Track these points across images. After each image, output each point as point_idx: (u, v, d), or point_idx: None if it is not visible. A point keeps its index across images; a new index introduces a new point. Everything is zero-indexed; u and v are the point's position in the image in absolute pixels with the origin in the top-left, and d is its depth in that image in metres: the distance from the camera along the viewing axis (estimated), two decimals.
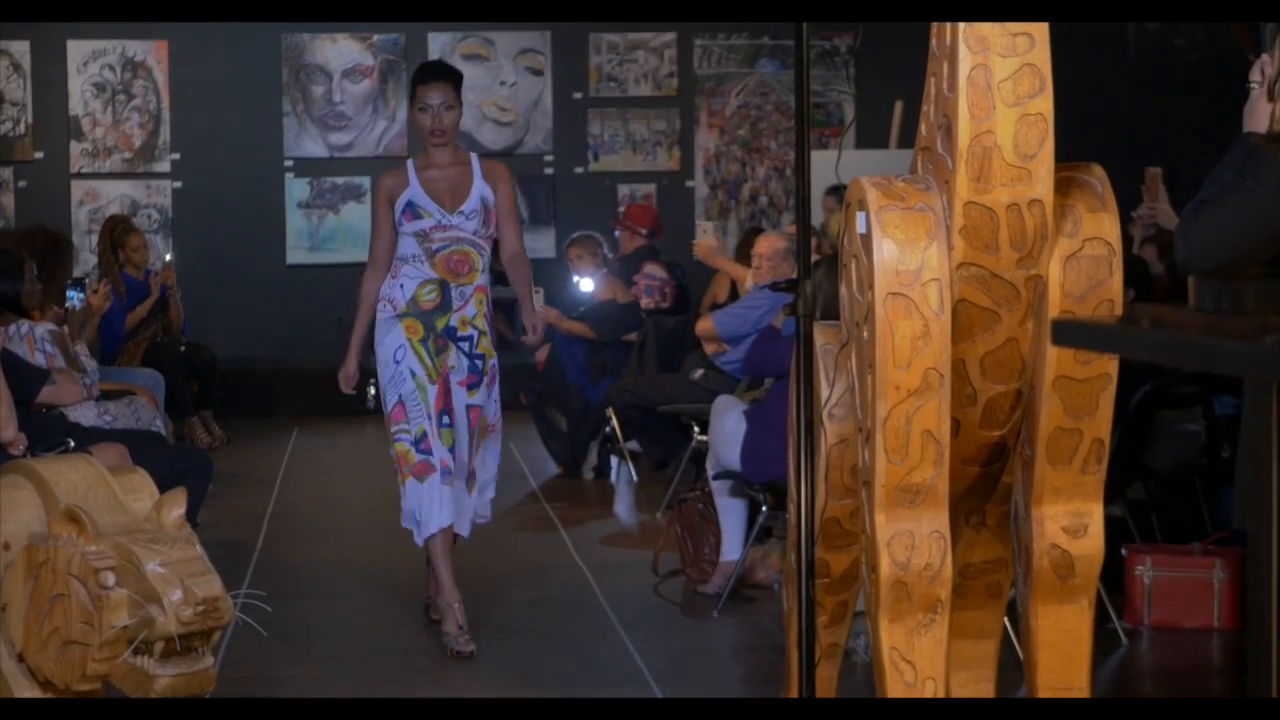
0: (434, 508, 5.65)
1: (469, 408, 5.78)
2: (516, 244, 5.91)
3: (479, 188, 5.76)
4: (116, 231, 10.38)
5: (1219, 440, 6.37)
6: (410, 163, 5.83)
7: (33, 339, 7.08)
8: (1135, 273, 5.64)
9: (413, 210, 5.73)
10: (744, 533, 6.45)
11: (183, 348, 10.24)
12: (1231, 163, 3.49)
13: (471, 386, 5.77)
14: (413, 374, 5.71)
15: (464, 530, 5.87)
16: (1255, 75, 3.59)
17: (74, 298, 8.63)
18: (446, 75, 5.80)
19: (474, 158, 5.84)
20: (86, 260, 11.98)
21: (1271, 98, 3.55)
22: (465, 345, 5.76)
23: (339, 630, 6.02)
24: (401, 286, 5.76)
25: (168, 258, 10.35)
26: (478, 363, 5.78)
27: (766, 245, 7.75)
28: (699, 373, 8.10)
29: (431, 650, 5.67)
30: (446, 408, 5.70)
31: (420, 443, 5.67)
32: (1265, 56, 3.57)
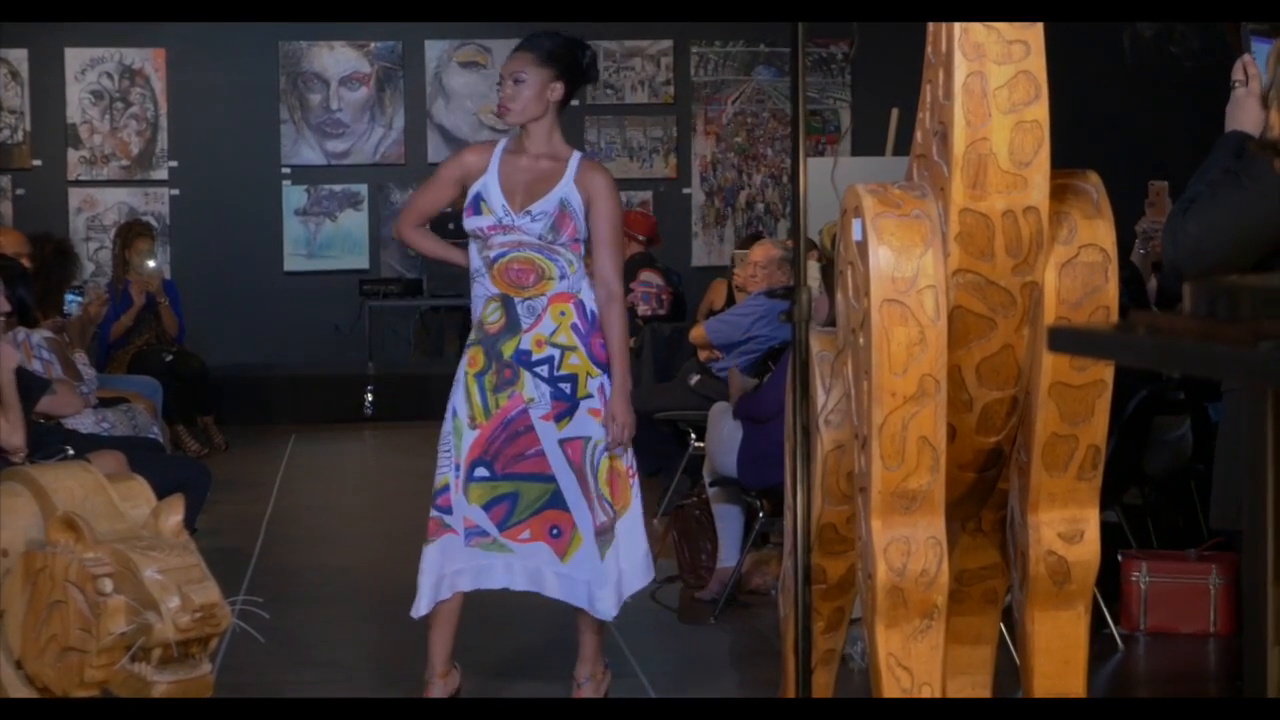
0: (455, 568, 4.83)
1: (564, 443, 4.80)
2: (614, 283, 4.86)
3: (564, 189, 4.80)
4: (129, 235, 10.41)
5: (1214, 446, 6.38)
6: (500, 145, 4.92)
7: (30, 345, 7.10)
8: (1127, 279, 5.65)
9: (475, 204, 4.84)
10: (741, 539, 6.46)
11: (169, 357, 10.22)
12: (1217, 162, 3.50)
13: (560, 417, 4.80)
14: (454, 413, 4.85)
15: (589, 603, 4.85)
16: (1238, 74, 3.60)
17: (72, 302, 8.64)
18: (528, 45, 4.88)
19: (575, 157, 4.88)
20: (83, 268, 11.99)
21: (1266, 105, 3.57)
22: (543, 369, 4.81)
23: (337, 636, 6.02)
24: (474, 307, 4.91)
25: (150, 264, 10.32)
26: (564, 387, 4.81)
27: (762, 253, 7.76)
28: (695, 379, 8.10)
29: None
30: (489, 455, 4.80)
31: (438, 497, 4.83)
32: (1246, 56, 3.58)
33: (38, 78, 12.24)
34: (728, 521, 6.49)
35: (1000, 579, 4.16)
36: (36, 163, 12.29)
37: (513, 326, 4.82)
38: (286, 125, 12.49)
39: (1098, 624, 4.85)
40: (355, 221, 12.40)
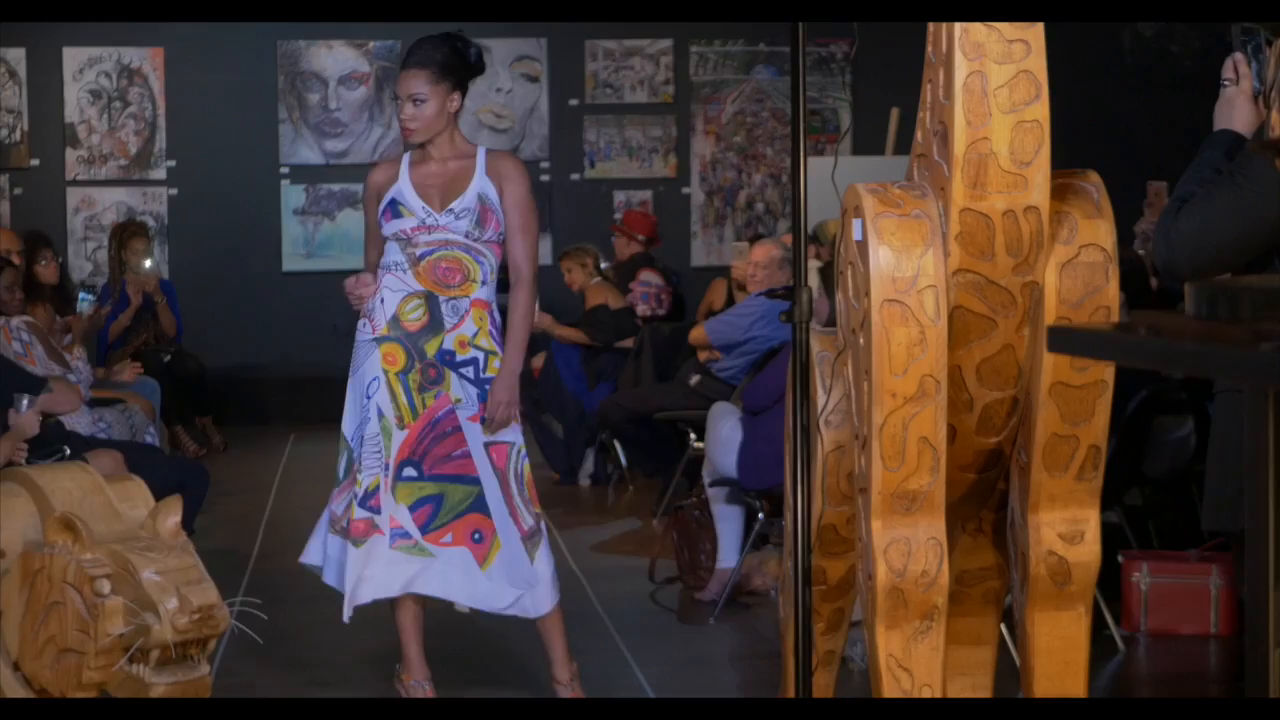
0: (369, 572, 4.81)
1: (489, 446, 4.85)
2: (524, 267, 4.97)
3: (478, 184, 4.88)
4: (124, 235, 10.40)
5: None
6: (406, 157, 4.98)
7: (9, 330, 7.10)
8: (1128, 275, 5.65)
9: (393, 209, 4.87)
10: (740, 540, 6.46)
11: (167, 357, 10.21)
12: (1209, 162, 3.49)
13: (481, 420, 4.86)
14: (380, 414, 4.83)
15: (516, 607, 4.90)
16: (1228, 73, 3.59)
17: (84, 301, 8.64)
18: (420, 60, 4.94)
19: (481, 151, 4.97)
20: (81, 268, 11.99)
21: (1267, 104, 3.56)
22: (469, 371, 4.86)
23: (335, 638, 6.00)
24: (382, 301, 4.87)
25: (146, 264, 10.30)
26: (490, 389, 4.87)
27: (762, 253, 7.74)
28: (695, 379, 8.09)
29: (429, 657, 5.66)
30: (417, 455, 4.82)
31: (369, 499, 4.80)
32: (1237, 55, 3.57)
33: (35, 77, 12.22)
34: (727, 522, 6.48)
35: (1000, 580, 4.16)
36: (34, 162, 12.27)
37: (435, 325, 4.85)
38: (285, 125, 12.48)
39: (1098, 625, 4.84)
40: (354, 221, 12.36)
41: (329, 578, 4.96)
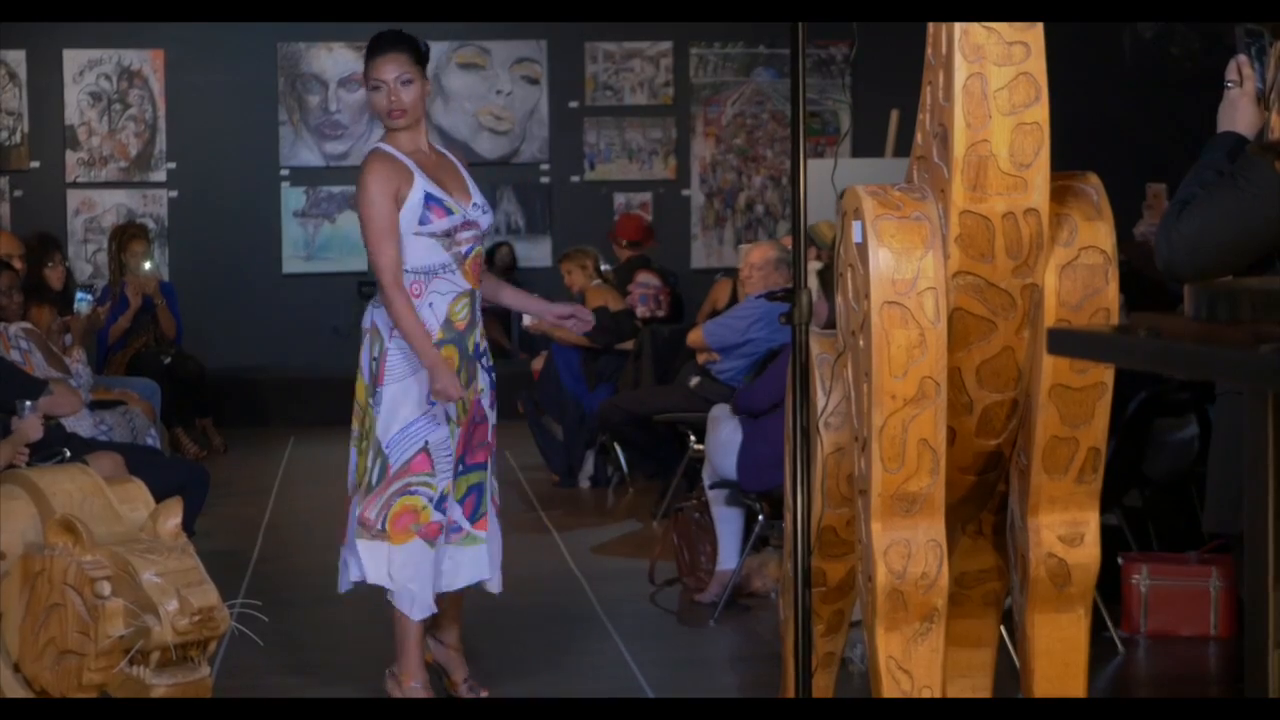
0: (434, 576, 4.91)
1: (493, 429, 5.05)
2: None
3: (471, 179, 5.00)
4: (123, 237, 10.40)
5: None
6: (396, 150, 4.88)
7: (6, 337, 7.09)
8: (1124, 277, 5.65)
9: (439, 204, 4.80)
10: (740, 541, 6.46)
11: (167, 360, 10.20)
12: (1211, 164, 3.49)
13: (492, 405, 5.03)
14: (448, 417, 4.84)
15: (495, 583, 5.08)
16: (1231, 75, 3.59)
17: (82, 300, 8.63)
18: (400, 45, 4.90)
19: (442, 148, 5.09)
20: (82, 270, 11.99)
21: (1268, 106, 3.56)
22: (485, 360, 4.98)
23: (335, 640, 6.01)
24: (431, 305, 4.81)
25: (146, 266, 10.30)
26: (491, 376, 5.02)
27: (758, 255, 7.74)
28: (695, 381, 8.09)
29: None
30: (463, 450, 4.91)
31: (443, 501, 4.86)
32: (1241, 56, 3.57)
33: (36, 79, 12.22)
34: (727, 524, 6.48)
35: (1000, 581, 4.16)
36: (35, 164, 12.28)
37: (474, 322, 4.91)
38: (285, 127, 12.48)
39: (1098, 627, 4.84)
40: (354, 223, 12.37)
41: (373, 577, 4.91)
